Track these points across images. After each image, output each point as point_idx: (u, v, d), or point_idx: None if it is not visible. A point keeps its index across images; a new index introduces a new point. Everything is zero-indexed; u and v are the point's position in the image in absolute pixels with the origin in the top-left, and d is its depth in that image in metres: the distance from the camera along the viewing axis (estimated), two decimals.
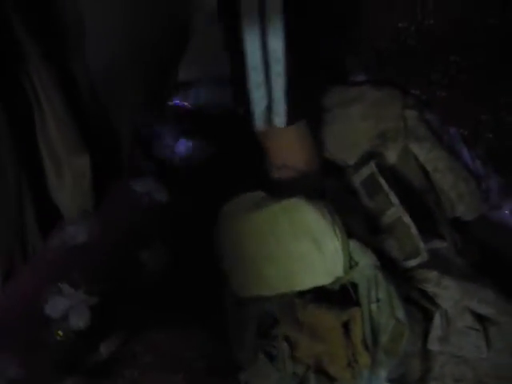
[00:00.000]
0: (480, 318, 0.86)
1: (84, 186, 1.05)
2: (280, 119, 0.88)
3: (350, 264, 0.75)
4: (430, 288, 0.86)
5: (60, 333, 0.91)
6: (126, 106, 1.23)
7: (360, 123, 0.97)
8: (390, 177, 0.91)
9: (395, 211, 0.85)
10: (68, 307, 0.92)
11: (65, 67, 0.99)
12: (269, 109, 0.88)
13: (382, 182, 0.87)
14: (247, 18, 0.81)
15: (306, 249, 0.76)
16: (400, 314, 0.76)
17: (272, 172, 0.96)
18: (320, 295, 0.79)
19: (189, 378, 0.96)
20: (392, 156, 0.95)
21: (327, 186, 0.91)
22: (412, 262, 0.84)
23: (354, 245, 0.76)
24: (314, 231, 0.76)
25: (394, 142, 0.95)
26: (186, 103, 1.31)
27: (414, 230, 0.83)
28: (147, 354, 1.01)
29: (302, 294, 0.81)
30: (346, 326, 0.75)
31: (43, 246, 1.02)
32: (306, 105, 0.92)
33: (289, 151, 0.94)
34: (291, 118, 0.89)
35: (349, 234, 0.80)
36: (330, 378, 0.77)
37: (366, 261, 0.75)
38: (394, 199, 0.86)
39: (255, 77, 0.85)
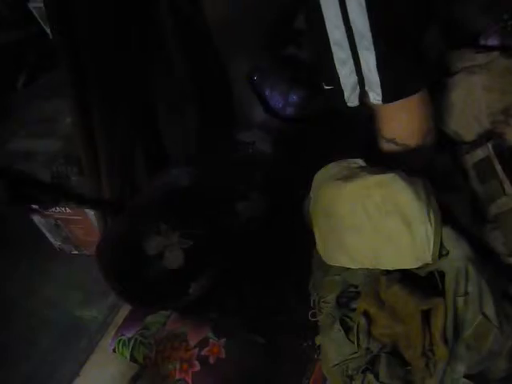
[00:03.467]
0: None
1: (191, 132, 1.08)
2: (376, 96, 0.79)
3: (441, 252, 0.70)
4: None
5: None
6: (243, 50, 1.23)
7: (483, 95, 0.87)
8: (509, 160, 0.82)
9: (507, 201, 0.77)
10: (164, 247, 0.98)
11: (184, 18, 1.00)
12: (361, 85, 0.79)
13: (498, 167, 0.79)
14: None
15: (396, 228, 0.72)
16: (489, 310, 0.70)
17: (380, 144, 0.89)
18: (407, 277, 0.76)
19: (267, 330, 0.99)
20: None
21: (438, 163, 0.84)
22: None
23: (447, 232, 0.70)
24: (407, 212, 0.71)
25: None
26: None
27: None
28: (232, 300, 1.05)
29: (388, 271, 0.79)
30: (427, 315, 0.71)
31: (149, 185, 1.08)
32: (410, 78, 0.80)
33: (399, 125, 0.85)
34: (390, 95, 0.79)
35: (449, 217, 0.75)
36: (405, 362, 0.75)
37: (458, 252, 0.69)
38: (509, 188, 0.77)
39: (339, 53, 0.76)
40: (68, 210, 1.15)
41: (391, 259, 0.74)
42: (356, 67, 0.77)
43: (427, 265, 0.72)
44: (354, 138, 1.08)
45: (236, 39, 1.12)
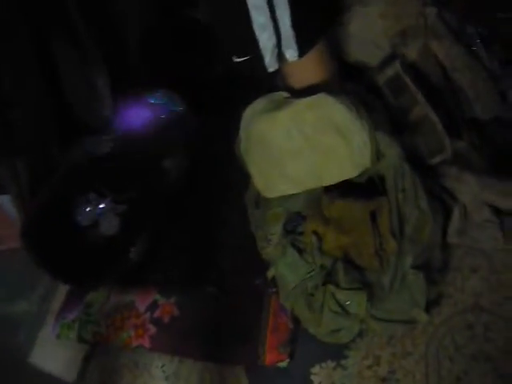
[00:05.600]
0: (497, 212, 0.88)
1: (101, 94, 1.05)
2: (292, 53, 0.81)
3: (377, 156, 0.77)
4: (450, 183, 0.88)
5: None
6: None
7: (379, 22, 0.95)
8: (413, 76, 0.90)
9: (421, 109, 0.85)
10: (97, 215, 0.94)
11: None
12: (278, 46, 0.81)
13: (408, 80, 0.87)
14: None
15: (334, 143, 0.77)
16: (423, 204, 0.78)
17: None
18: (346, 191, 0.81)
19: (216, 278, 1.00)
20: (412, 53, 0.94)
21: (348, 89, 0.91)
22: (437, 158, 0.86)
23: (380, 137, 0.77)
24: (341, 125, 0.76)
25: (414, 40, 0.93)
26: None
27: (439, 126, 0.84)
28: (174, 259, 1.05)
29: (328, 191, 0.84)
30: (372, 217, 0.77)
31: (66, 157, 1.03)
32: (318, 27, 0.84)
33: (310, 73, 0.89)
34: (304, 48, 0.82)
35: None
36: (358, 268, 0.81)
37: (393, 151, 0.76)
38: (420, 97, 0.86)
39: (259, 17, 0.76)
40: None
41: (333, 173, 0.79)
42: (275, 29, 0.78)
43: (367, 170, 0.78)
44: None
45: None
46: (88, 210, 0.95)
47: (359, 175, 0.79)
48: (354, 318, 0.79)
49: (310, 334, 0.87)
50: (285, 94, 0.86)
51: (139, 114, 1.10)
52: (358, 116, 0.76)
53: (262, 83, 1.06)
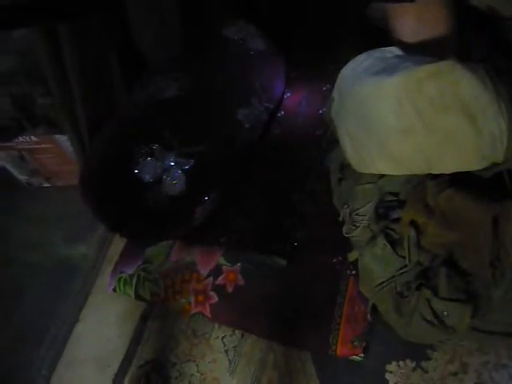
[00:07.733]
0: None
1: (172, 29, 0.91)
2: None
3: None
4: None
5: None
6: None
7: None
8: None
9: None
10: (161, 171, 0.84)
11: None
12: None
13: None
14: None
15: (457, 125, 0.61)
16: None
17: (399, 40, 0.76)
18: (460, 180, 0.67)
19: (287, 248, 0.90)
20: None
21: (476, 47, 0.72)
22: None
23: None
24: (471, 104, 0.60)
25: None
26: None
27: None
28: (242, 220, 0.94)
29: (434, 176, 0.69)
30: (494, 222, 0.63)
31: (130, 98, 0.92)
32: None
33: (419, 27, 0.73)
34: None
35: None
36: (462, 273, 0.68)
37: None
38: None
39: None
40: (34, 139, 0.97)
41: (449, 161, 0.64)
42: None
43: (496, 165, 0.62)
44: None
45: None
46: (151, 164, 0.84)
47: (484, 169, 0.63)
48: (451, 332, 0.67)
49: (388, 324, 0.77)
50: (397, 51, 0.70)
51: (212, 50, 0.95)
52: (497, 95, 0.59)
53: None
